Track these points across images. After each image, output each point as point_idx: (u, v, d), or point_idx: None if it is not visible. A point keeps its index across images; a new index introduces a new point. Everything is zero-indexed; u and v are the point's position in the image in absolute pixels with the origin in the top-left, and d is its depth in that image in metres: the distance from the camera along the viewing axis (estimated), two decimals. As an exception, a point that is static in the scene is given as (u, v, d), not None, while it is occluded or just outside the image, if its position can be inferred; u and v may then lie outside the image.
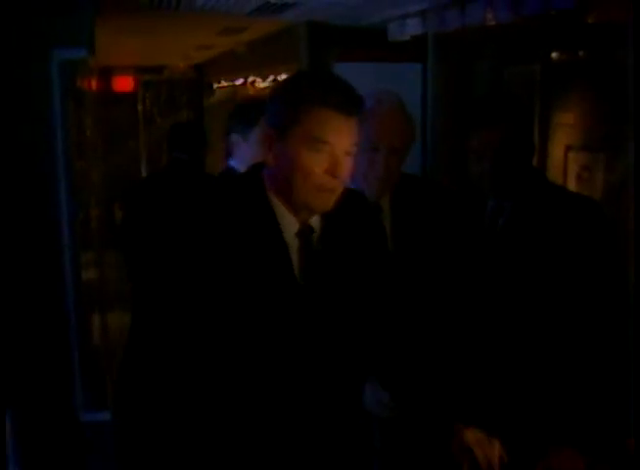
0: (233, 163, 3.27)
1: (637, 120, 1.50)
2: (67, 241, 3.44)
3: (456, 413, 1.91)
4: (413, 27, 4.13)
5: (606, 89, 3.39)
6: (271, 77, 6.98)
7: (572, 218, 2.42)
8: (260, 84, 7.86)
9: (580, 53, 3.55)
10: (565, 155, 3.66)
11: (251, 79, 8.39)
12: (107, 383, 4.28)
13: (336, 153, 1.78)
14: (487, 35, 4.17)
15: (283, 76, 6.47)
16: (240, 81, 8.86)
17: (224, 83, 9.89)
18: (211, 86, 10.42)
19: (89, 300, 4.21)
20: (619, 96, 3.28)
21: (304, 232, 1.88)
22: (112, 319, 5.78)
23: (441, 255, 2.61)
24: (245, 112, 3.28)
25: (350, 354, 1.95)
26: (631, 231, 1.50)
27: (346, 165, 1.81)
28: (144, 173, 10.58)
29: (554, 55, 3.74)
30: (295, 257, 1.87)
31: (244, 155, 3.21)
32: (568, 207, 2.48)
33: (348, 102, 1.79)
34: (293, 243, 1.87)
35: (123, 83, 11.03)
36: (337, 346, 1.91)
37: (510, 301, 2.48)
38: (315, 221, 1.90)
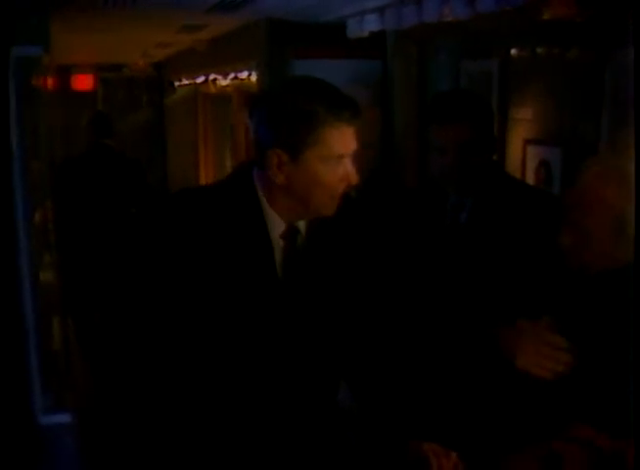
0: None
1: (637, 120, 1.51)
2: (23, 242, 3.39)
3: (413, 427, 1.94)
4: (371, 24, 4.14)
5: (563, 84, 3.42)
6: (232, 75, 6.96)
7: (532, 212, 2.44)
8: (222, 82, 7.83)
9: (537, 49, 3.58)
10: (523, 149, 3.70)
11: (211, 77, 8.35)
12: (67, 385, 4.23)
13: (348, 161, 1.83)
14: (445, 31, 4.19)
15: (243, 74, 6.45)
16: (200, 79, 8.82)
17: (185, 81, 9.84)
18: (172, 84, 10.35)
19: (48, 302, 4.16)
20: (575, 91, 3.33)
21: (290, 233, 1.91)
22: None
23: (400, 253, 2.61)
24: None
25: (327, 353, 1.97)
26: (632, 232, 1.52)
27: (355, 168, 1.86)
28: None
29: (512, 51, 3.77)
30: (279, 257, 1.89)
31: None
32: (527, 201, 2.50)
33: (353, 112, 1.82)
34: (278, 243, 1.89)
35: (82, 82, 10.91)
36: (314, 344, 1.93)
37: (475, 297, 2.49)
38: (301, 223, 1.93)
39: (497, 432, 1.99)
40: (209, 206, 1.87)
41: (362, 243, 2.04)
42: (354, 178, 1.85)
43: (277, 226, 1.88)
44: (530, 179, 3.56)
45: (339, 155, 1.80)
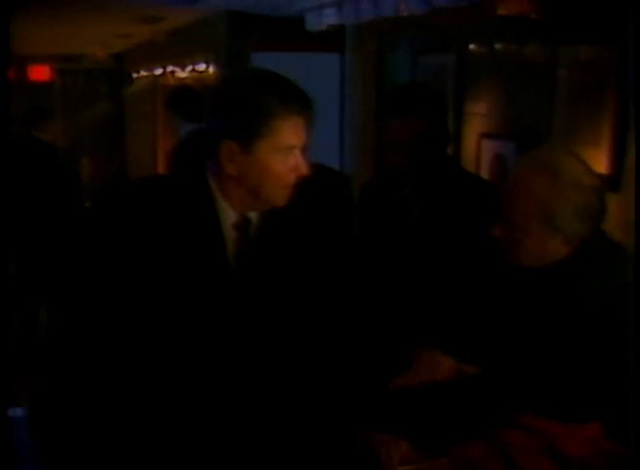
0: None
1: (637, 120, 1.54)
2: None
3: (363, 417, 1.97)
4: (329, 17, 4.17)
5: (517, 79, 3.47)
6: (190, 67, 6.94)
7: (483, 206, 2.47)
8: (180, 74, 7.79)
9: (493, 44, 3.62)
10: (478, 143, 3.74)
11: (170, 69, 8.31)
12: (21, 380, 4.19)
13: (299, 153, 1.86)
14: (403, 25, 4.22)
15: (201, 66, 6.43)
16: (159, 71, 8.77)
17: (144, 73, 9.78)
18: (130, 76, 10.28)
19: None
20: (529, 86, 3.38)
21: (242, 224, 1.92)
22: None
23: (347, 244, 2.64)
24: None
25: (282, 341, 1.98)
26: (632, 233, 1.54)
27: (305, 159, 1.88)
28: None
29: (468, 46, 3.81)
30: (231, 248, 1.90)
31: None
32: (479, 194, 2.54)
33: (305, 104, 1.85)
34: (230, 234, 1.90)
35: (39, 72, 10.78)
36: (268, 333, 1.94)
37: (429, 290, 2.53)
38: (253, 214, 1.94)
39: (445, 420, 2.03)
40: (161, 197, 1.88)
41: (314, 233, 2.06)
42: (305, 169, 1.87)
43: (229, 217, 1.90)
44: (485, 173, 3.61)
45: (289, 146, 1.83)
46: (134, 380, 1.87)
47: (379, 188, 2.80)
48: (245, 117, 1.80)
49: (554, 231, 1.93)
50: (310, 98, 1.86)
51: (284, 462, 1.93)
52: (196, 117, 5.02)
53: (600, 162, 2.82)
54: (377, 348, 2.29)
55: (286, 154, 1.83)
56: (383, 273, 2.64)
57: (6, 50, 2.24)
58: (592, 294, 1.92)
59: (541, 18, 3.07)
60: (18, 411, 3.40)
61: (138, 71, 9.91)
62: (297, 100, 1.82)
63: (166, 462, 1.87)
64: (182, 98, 5.31)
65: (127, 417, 1.88)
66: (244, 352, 1.91)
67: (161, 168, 8.93)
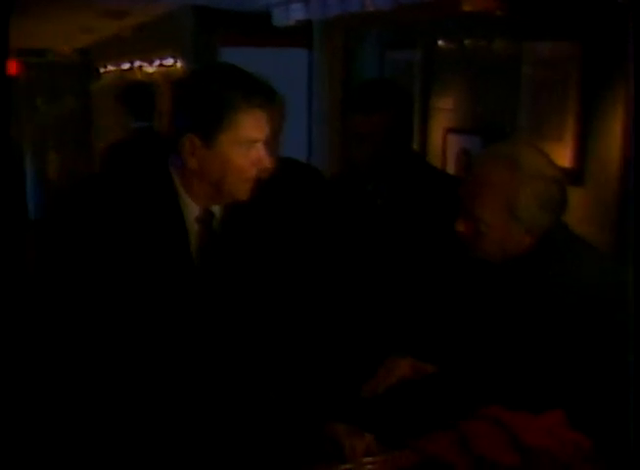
0: None
1: (637, 119, 1.55)
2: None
3: (328, 409, 1.98)
4: (296, 13, 4.17)
5: (482, 75, 3.51)
6: (157, 62, 6.91)
7: (447, 200, 2.49)
8: (148, 69, 7.76)
9: (459, 40, 3.65)
10: (444, 138, 3.77)
11: (137, 64, 8.27)
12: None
13: (261, 146, 1.86)
14: (370, 21, 4.24)
15: (169, 61, 6.41)
16: (126, 66, 8.72)
17: (111, 68, 9.72)
18: (97, 71, 10.21)
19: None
20: (494, 82, 3.42)
21: (204, 217, 1.92)
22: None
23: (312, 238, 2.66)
24: None
25: (244, 335, 1.98)
26: (631, 234, 1.55)
27: (267, 153, 1.88)
28: (28, 164, 10.27)
29: (435, 41, 3.83)
30: (194, 241, 1.90)
31: None
32: (443, 189, 2.56)
33: (267, 97, 1.85)
34: (193, 228, 1.90)
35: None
36: (231, 327, 1.94)
37: (393, 286, 2.55)
38: (216, 207, 1.94)
39: (412, 413, 2.05)
40: (124, 192, 1.87)
41: (278, 227, 2.07)
42: (267, 162, 1.88)
43: (192, 211, 1.90)
44: (451, 167, 3.64)
45: (251, 139, 1.83)
46: (97, 374, 1.86)
47: (343, 182, 2.82)
48: (206, 111, 1.80)
49: (517, 223, 1.94)
50: (272, 92, 1.87)
51: (247, 452, 1.93)
52: (146, 115, 4.96)
53: (564, 156, 2.86)
54: (341, 341, 2.31)
55: (248, 147, 1.83)
56: (347, 267, 2.66)
57: (5, 49, 2.24)
58: (554, 286, 1.94)
59: (507, 14, 3.10)
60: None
61: (105, 66, 9.84)
62: (259, 94, 1.83)
63: (132, 452, 1.87)
64: (133, 94, 5.22)
65: (93, 413, 1.87)
66: (207, 344, 1.91)
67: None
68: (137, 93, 5.16)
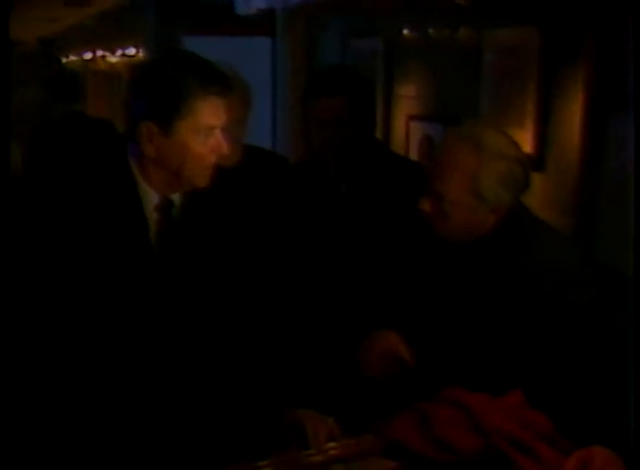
0: None
1: (637, 118, 1.57)
2: None
3: (289, 394, 1.99)
4: (258, 1, 4.15)
5: (444, 63, 3.53)
6: (119, 51, 6.86)
7: (408, 185, 2.50)
8: (110, 59, 7.70)
9: (421, 28, 3.66)
10: (406, 125, 3.79)
11: (100, 54, 8.21)
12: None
13: (219, 133, 1.85)
14: (333, 9, 4.24)
15: (132, 51, 6.37)
16: (89, 56, 8.65)
17: (73, 58, 9.63)
18: (59, 61, 10.10)
19: None
20: (456, 70, 3.44)
21: (164, 205, 1.91)
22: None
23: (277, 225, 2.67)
24: None
25: (206, 323, 1.98)
26: (631, 231, 1.57)
27: (225, 140, 1.88)
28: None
29: (397, 30, 3.84)
30: (153, 230, 1.89)
31: None
32: (405, 174, 2.58)
33: (224, 84, 1.84)
34: (152, 216, 1.89)
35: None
36: (192, 315, 1.94)
37: (358, 271, 2.56)
38: (175, 195, 1.93)
39: (374, 396, 2.06)
40: (82, 181, 1.87)
41: (239, 215, 2.07)
42: (226, 149, 1.87)
43: (151, 199, 1.89)
44: (414, 154, 3.66)
45: (209, 126, 1.83)
46: (53, 366, 1.84)
47: (307, 169, 2.82)
48: (163, 98, 1.80)
49: (481, 202, 1.97)
50: (229, 79, 1.86)
51: (208, 439, 1.94)
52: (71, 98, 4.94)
53: (524, 142, 2.88)
54: (306, 327, 2.31)
55: (206, 134, 1.83)
56: (312, 254, 2.67)
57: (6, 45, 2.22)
58: (518, 266, 1.97)
59: (468, 3, 3.12)
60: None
61: (67, 56, 9.75)
62: (216, 81, 1.82)
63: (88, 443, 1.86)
64: (58, 79, 5.21)
65: (48, 402, 1.85)
66: (167, 333, 1.90)
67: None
68: (62, 77, 5.17)
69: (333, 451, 1.87)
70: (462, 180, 1.96)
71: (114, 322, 1.84)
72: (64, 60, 9.87)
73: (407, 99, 3.83)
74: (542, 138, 2.91)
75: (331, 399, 2.03)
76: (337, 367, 2.29)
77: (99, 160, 1.93)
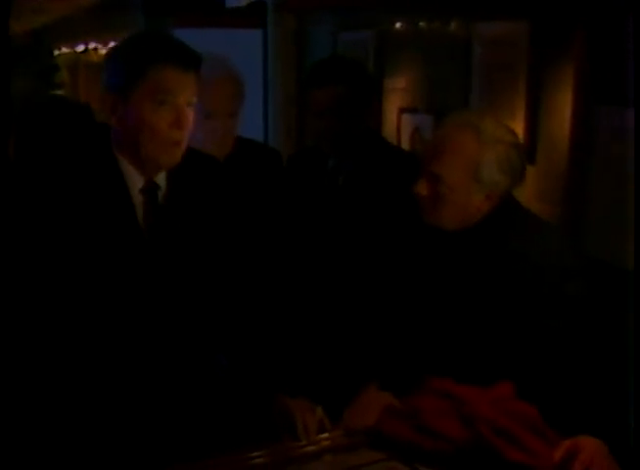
0: None
1: (638, 120, 1.58)
2: None
3: (280, 382, 2.00)
4: (249, -7, 4.15)
5: (434, 56, 3.54)
6: (112, 43, 6.84)
7: (404, 175, 2.51)
8: (103, 51, 7.68)
9: (412, 21, 3.67)
10: (398, 117, 3.80)
11: (92, 46, 8.19)
12: None
13: (179, 105, 1.84)
14: (323, 2, 4.25)
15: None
16: (81, 48, 8.62)
17: (64, 50, 9.60)
18: (51, 53, 10.08)
19: None
20: (446, 62, 3.45)
21: (149, 189, 1.92)
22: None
23: (275, 216, 2.67)
24: None
25: (196, 306, 1.99)
26: (631, 230, 1.58)
27: (189, 116, 1.88)
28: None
29: (387, 23, 3.85)
30: (140, 213, 1.90)
31: None
32: (400, 164, 2.59)
33: (186, 56, 1.85)
34: (137, 199, 1.90)
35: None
36: (183, 296, 1.95)
37: (347, 260, 2.57)
38: (161, 179, 1.94)
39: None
40: (65, 163, 1.87)
41: (227, 203, 2.07)
42: (187, 125, 1.86)
43: (135, 182, 1.90)
44: (405, 146, 3.67)
45: (165, 93, 1.82)
46: (41, 354, 1.85)
47: (305, 160, 2.83)
48: (121, 66, 1.83)
49: (478, 186, 1.99)
50: (195, 53, 1.86)
51: (199, 427, 1.95)
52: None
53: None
54: (298, 317, 2.33)
55: (160, 101, 1.82)
56: (308, 246, 2.68)
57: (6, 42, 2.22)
58: (506, 257, 1.99)
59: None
60: None
61: (59, 48, 9.72)
62: (176, 50, 1.84)
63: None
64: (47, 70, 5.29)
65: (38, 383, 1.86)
66: (158, 316, 1.91)
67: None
68: None
69: (325, 442, 1.89)
70: (462, 164, 1.98)
71: (104, 307, 1.85)
72: (55, 52, 9.85)
73: (398, 92, 3.83)
74: (532, 130, 2.92)
75: (319, 388, 2.05)
76: (327, 357, 2.32)
77: (81, 141, 1.94)
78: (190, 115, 1.87)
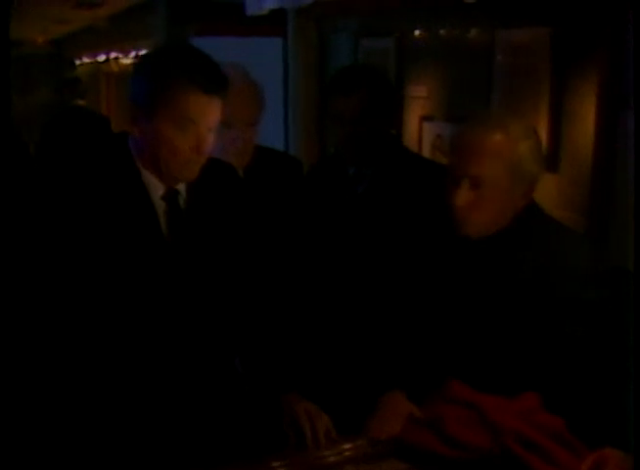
0: None
1: (637, 116, 1.57)
2: None
3: (289, 384, 1.99)
4: (269, 2, 4.15)
5: (455, 63, 3.52)
6: (133, 53, 6.88)
7: (427, 184, 2.50)
8: (124, 60, 7.72)
9: (432, 29, 3.66)
10: (419, 125, 3.79)
11: (113, 55, 8.23)
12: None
13: (201, 131, 1.84)
14: (344, 9, 4.25)
15: (144, 52, 6.38)
16: (102, 57, 8.68)
17: (86, 59, 9.66)
18: (72, 63, 10.14)
19: None
20: (467, 70, 3.44)
21: (170, 195, 1.93)
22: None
23: (295, 225, 2.67)
24: None
25: (217, 311, 2.00)
26: (632, 228, 1.57)
27: (210, 141, 1.88)
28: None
29: (408, 30, 3.84)
30: (162, 219, 1.91)
31: None
32: (423, 173, 2.58)
33: (214, 83, 1.84)
34: (159, 205, 1.91)
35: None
36: (205, 302, 1.96)
37: (369, 269, 2.56)
38: (181, 186, 1.95)
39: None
40: (86, 175, 1.87)
41: (245, 210, 2.08)
42: (207, 150, 1.87)
43: (157, 189, 1.90)
44: (427, 154, 3.66)
45: (189, 119, 1.82)
46: (63, 353, 1.85)
47: (326, 169, 2.83)
48: (150, 84, 1.82)
49: (518, 179, 2.00)
50: (223, 78, 1.85)
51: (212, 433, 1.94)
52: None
53: (538, 142, 2.88)
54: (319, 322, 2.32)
55: (184, 128, 1.82)
56: (329, 254, 2.68)
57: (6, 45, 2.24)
58: (530, 264, 1.98)
59: (479, 2, 3.11)
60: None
61: (80, 58, 9.78)
62: (206, 77, 1.82)
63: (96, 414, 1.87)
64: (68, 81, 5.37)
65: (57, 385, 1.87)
66: (180, 321, 1.92)
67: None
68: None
69: (347, 453, 1.87)
70: (502, 162, 1.98)
71: (130, 310, 1.85)
72: (77, 62, 9.92)
73: (419, 100, 3.82)
74: (556, 138, 2.90)
75: (341, 396, 2.04)
76: (348, 365, 2.30)
77: (103, 150, 1.95)
78: (211, 138, 1.88)
